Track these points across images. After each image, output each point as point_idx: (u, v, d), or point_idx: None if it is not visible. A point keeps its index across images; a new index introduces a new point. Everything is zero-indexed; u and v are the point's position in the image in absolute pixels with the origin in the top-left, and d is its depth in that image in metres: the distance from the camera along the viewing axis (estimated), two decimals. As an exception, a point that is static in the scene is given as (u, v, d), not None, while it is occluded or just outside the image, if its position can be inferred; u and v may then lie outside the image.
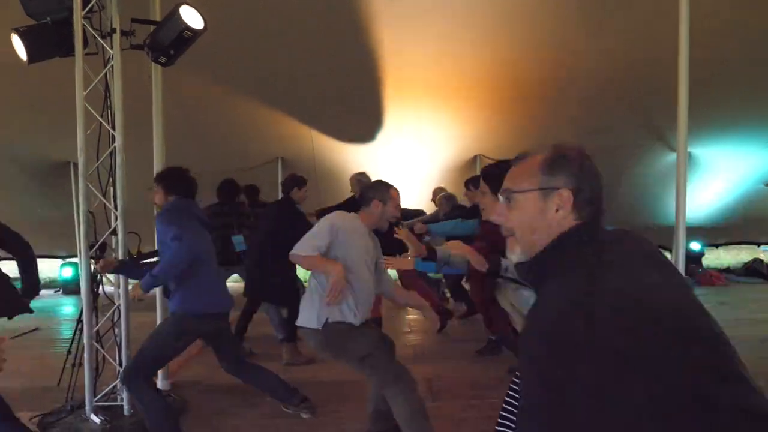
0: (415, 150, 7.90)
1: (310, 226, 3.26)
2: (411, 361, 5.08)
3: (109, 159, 4.02)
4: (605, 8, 5.59)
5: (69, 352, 4.16)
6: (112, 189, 4.01)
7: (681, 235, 3.98)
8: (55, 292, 10.42)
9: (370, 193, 3.19)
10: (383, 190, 3.19)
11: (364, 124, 7.43)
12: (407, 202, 8.08)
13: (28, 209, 8.36)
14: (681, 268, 4.32)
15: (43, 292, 10.53)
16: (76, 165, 8.06)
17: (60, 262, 10.65)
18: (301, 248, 3.01)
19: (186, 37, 3.93)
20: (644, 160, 8.03)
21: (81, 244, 3.81)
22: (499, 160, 3.41)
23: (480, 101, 6.97)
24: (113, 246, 4.00)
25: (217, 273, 3.61)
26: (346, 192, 8.30)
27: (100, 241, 3.88)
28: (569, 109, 6.92)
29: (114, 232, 3.95)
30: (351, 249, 3.03)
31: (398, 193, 3.23)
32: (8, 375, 4.73)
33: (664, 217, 8.46)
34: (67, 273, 10.37)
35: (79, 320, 4.07)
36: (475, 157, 8.12)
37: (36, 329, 6.94)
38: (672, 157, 7.49)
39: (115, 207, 3.95)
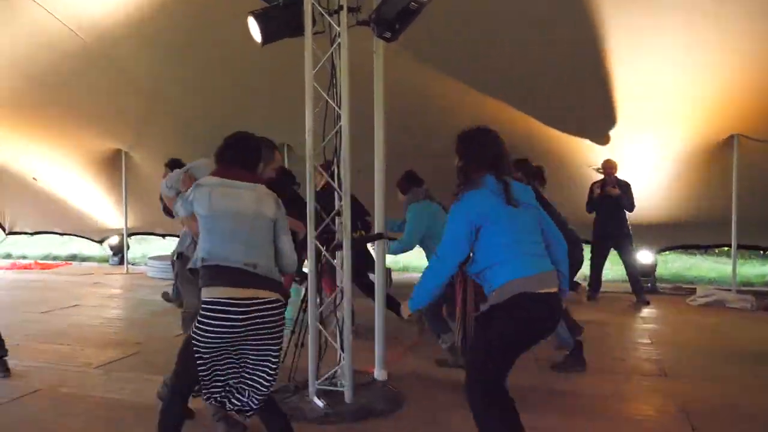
0: (650, 129, 7.21)
1: None
2: (657, 378, 4.62)
3: (334, 139, 4.13)
4: None
5: (293, 332, 4.40)
6: (336, 169, 4.12)
7: None
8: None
9: None
10: (267, 151, 3.24)
11: (589, 105, 6.99)
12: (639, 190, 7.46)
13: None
14: None
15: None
16: (290, 147, 8.87)
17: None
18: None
19: (412, 9, 3.87)
20: None
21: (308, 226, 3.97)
22: None
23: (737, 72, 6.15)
24: (336, 228, 4.13)
25: None
26: (570, 184, 7.93)
27: (324, 222, 4.01)
28: None
29: (338, 214, 4.06)
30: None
31: (281, 157, 3.28)
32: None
33: None
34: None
35: (304, 301, 4.28)
36: (732, 136, 7.18)
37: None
38: None
39: (340, 187, 4.06)
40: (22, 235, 12.32)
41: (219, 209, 2.78)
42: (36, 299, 7.92)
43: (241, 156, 2.93)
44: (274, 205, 2.90)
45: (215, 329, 2.66)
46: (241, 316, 2.67)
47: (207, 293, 2.71)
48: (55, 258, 13.11)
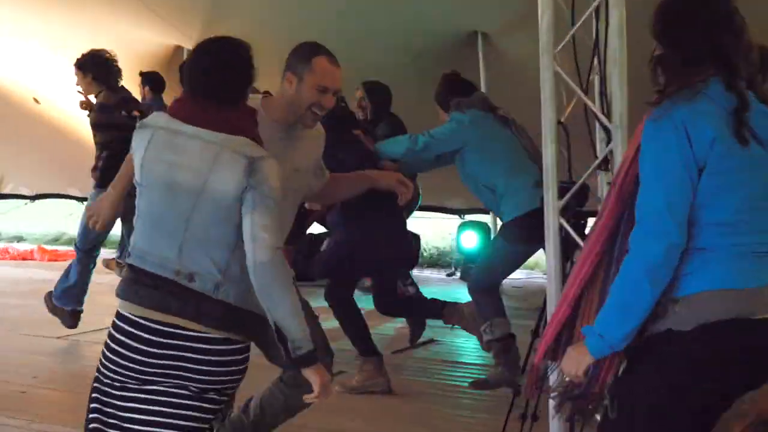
0: None
1: None
2: None
3: (593, 20, 4.05)
4: None
5: (517, 393, 4.44)
6: (597, 78, 4.08)
7: None
8: (447, 275, 11.53)
9: (287, 61, 3.55)
10: (303, 58, 3.49)
11: None
12: None
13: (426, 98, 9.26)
14: None
15: (428, 274, 11.70)
16: (485, 35, 8.87)
17: (457, 219, 11.51)
18: None
19: None
20: None
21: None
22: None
23: None
24: (600, 189, 4.10)
25: None
26: None
27: (579, 182, 3.93)
28: None
29: (604, 163, 3.97)
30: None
31: (329, 66, 3.49)
32: (408, 417, 5.33)
33: None
34: (470, 241, 10.83)
35: (537, 330, 4.26)
36: None
37: (431, 341, 7.72)
38: None
39: (605, 111, 3.97)
40: (17, 201, 13.12)
41: (149, 174, 3.03)
42: (44, 315, 8.45)
43: (207, 78, 3.06)
44: (242, 172, 2.92)
45: (113, 357, 3.01)
46: (153, 349, 2.95)
47: (119, 304, 3.08)
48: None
